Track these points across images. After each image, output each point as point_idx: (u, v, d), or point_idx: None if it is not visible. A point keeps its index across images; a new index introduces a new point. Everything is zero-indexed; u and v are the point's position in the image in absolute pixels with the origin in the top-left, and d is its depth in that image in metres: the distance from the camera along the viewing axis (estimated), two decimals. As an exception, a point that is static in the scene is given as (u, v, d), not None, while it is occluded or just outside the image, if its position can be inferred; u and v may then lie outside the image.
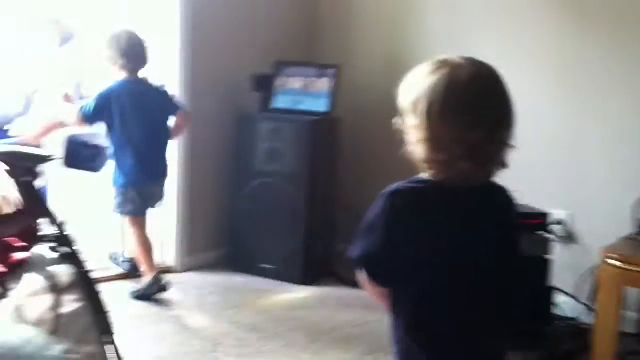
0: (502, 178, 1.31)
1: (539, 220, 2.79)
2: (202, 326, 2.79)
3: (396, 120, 1.34)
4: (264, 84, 3.49)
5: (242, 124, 3.46)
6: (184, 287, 3.23)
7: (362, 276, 1.35)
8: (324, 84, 3.43)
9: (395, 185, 1.29)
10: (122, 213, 3.06)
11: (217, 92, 3.53)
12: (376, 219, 1.27)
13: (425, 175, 1.29)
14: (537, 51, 3.21)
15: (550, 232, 2.85)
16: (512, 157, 1.27)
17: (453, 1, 3.49)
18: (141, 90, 3.03)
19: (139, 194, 3.01)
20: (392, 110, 4.07)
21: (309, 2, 3.92)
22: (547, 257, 2.77)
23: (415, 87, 1.31)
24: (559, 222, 3.04)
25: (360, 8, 3.81)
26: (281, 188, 3.34)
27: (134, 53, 2.98)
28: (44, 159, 1.81)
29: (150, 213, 3.15)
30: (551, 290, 2.81)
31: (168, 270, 3.44)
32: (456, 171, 1.24)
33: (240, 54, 3.60)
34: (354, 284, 3.29)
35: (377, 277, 1.33)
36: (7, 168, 1.75)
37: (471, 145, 1.22)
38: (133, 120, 2.96)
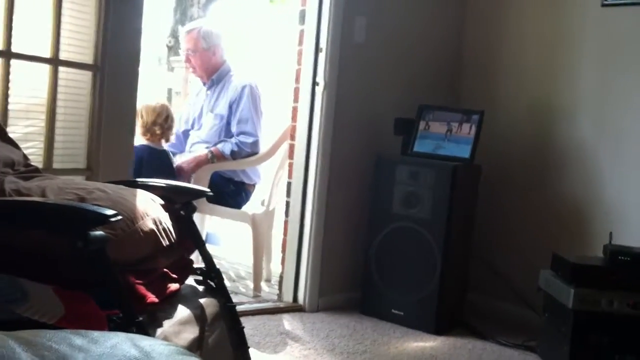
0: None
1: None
2: (331, 368, 2.77)
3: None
4: (406, 128, 3.48)
5: (381, 167, 3.45)
6: (314, 327, 3.23)
7: None
8: (466, 130, 3.38)
9: (138, 146, 3.35)
10: None
11: (359, 134, 3.55)
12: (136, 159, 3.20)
13: (144, 142, 3.58)
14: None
15: None
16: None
17: (606, 49, 3.36)
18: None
19: None
20: (535, 159, 3.96)
21: (453, 46, 3.90)
22: None
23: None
24: None
25: (506, 54, 3.74)
26: (417, 233, 3.29)
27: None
28: (201, 194, 1.88)
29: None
30: None
31: (299, 309, 3.46)
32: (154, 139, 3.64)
33: (384, 97, 3.62)
34: (485, 336, 3.20)
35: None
36: (163, 202, 1.82)
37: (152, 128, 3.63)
38: None
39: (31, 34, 2.45)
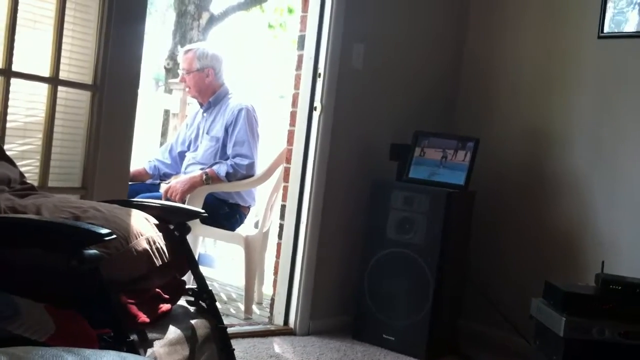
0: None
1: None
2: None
3: None
4: (402, 154, 3.50)
5: (376, 192, 3.47)
6: (304, 351, 3.22)
7: None
8: (461, 157, 3.40)
9: None
10: None
11: (355, 159, 3.57)
12: None
13: None
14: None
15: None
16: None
17: (602, 80, 3.40)
18: None
19: None
20: (529, 187, 3.97)
21: (450, 73, 3.94)
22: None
23: None
24: None
25: (502, 81, 3.78)
26: (410, 259, 3.30)
27: None
28: (195, 215, 1.88)
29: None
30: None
31: (290, 332, 3.45)
32: None
33: (381, 122, 3.64)
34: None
35: None
36: (157, 222, 1.83)
37: None
38: None
39: (32, 53, 2.47)
